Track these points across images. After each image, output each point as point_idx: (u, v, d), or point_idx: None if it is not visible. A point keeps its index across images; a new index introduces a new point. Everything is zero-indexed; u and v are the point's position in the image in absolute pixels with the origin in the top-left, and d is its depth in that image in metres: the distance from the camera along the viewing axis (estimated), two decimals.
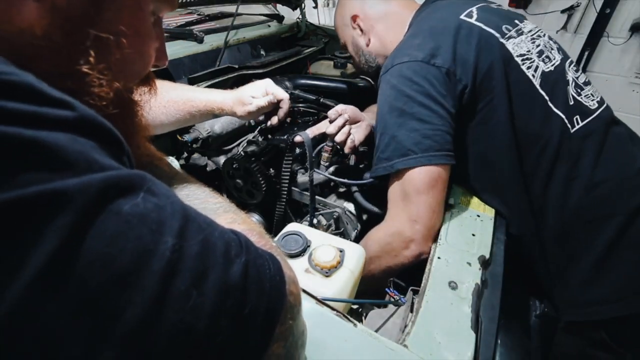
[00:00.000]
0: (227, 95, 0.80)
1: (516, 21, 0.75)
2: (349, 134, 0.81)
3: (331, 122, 0.83)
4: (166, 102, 0.77)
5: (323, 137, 0.84)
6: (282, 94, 0.81)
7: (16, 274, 0.16)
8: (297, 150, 0.86)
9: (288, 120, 1.06)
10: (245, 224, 0.35)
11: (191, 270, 0.21)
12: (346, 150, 0.82)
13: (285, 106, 0.82)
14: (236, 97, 0.79)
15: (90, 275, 0.18)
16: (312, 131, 0.84)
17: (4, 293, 0.16)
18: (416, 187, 0.65)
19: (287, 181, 0.84)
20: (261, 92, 0.80)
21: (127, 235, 0.19)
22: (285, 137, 0.84)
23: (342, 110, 0.83)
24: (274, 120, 0.83)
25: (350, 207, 0.88)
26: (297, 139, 0.81)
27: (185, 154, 0.99)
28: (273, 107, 0.82)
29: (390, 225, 0.69)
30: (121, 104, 0.30)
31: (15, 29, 0.24)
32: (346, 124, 0.82)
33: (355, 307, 0.65)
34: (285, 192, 0.85)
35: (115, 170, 0.21)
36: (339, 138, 0.80)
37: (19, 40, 0.25)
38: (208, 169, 0.99)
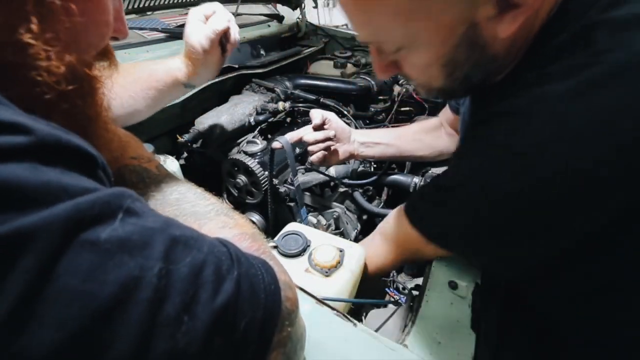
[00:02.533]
0: (180, 55, 0.71)
1: None
2: (325, 150, 0.77)
3: (314, 128, 0.78)
4: (129, 83, 0.69)
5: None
6: (221, 19, 0.67)
7: None
8: (297, 150, 0.86)
9: (288, 120, 1.07)
10: (237, 228, 0.34)
11: (181, 295, 0.20)
12: (313, 161, 0.78)
13: (233, 27, 0.70)
14: (185, 46, 0.69)
15: (67, 315, 0.16)
16: (292, 136, 0.78)
17: None
18: None
19: (266, 185, 0.83)
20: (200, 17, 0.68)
21: (107, 266, 0.18)
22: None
23: (328, 121, 0.78)
24: (232, 37, 0.70)
25: (351, 207, 0.88)
26: (275, 145, 0.76)
27: (185, 154, 0.99)
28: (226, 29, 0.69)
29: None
30: (77, 79, 0.27)
31: None
32: (325, 142, 0.77)
33: (355, 306, 0.65)
34: (272, 195, 0.84)
35: (88, 195, 0.19)
36: (311, 149, 0.77)
37: None
38: (208, 169, 0.99)
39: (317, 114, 0.78)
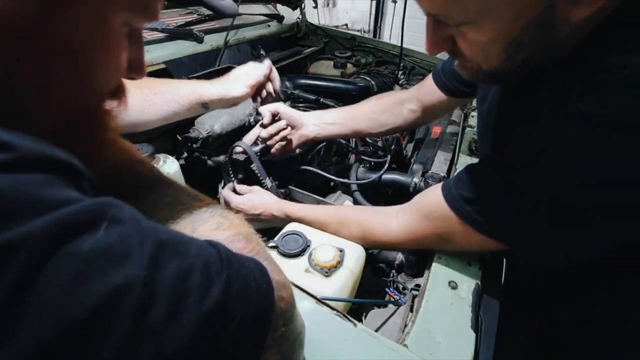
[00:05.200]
0: (214, 80, 0.80)
1: None
2: (282, 140, 0.82)
3: (263, 125, 0.82)
4: (153, 95, 0.73)
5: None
6: (267, 67, 0.81)
7: None
8: (258, 146, 0.86)
9: None
10: (231, 229, 0.34)
11: (167, 301, 0.20)
12: (273, 153, 0.83)
13: (275, 77, 0.82)
14: (225, 78, 0.79)
15: (47, 328, 0.16)
16: (250, 138, 0.83)
17: None
18: None
19: (266, 184, 0.84)
20: (247, 71, 0.80)
21: (89, 277, 0.18)
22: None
23: (278, 114, 0.82)
24: (271, 87, 0.82)
25: (350, 206, 0.88)
26: (237, 149, 0.81)
27: (185, 154, 0.99)
28: (264, 81, 0.82)
29: None
30: (78, 122, 0.27)
31: None
32: (279, 134, 0.82)
33: (355, 306, 0.65)
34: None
35: (71, 206, 0.19)
36: (270, 143, 0.82)
37: None
38: (208, 166, 0.99)
39: (265, 111, 0.82)
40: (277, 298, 0.28)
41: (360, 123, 0.88)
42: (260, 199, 0.75)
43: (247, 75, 0.80)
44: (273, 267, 0.30)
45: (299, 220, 0.67)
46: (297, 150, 0.90)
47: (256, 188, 0.79)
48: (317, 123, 0.87)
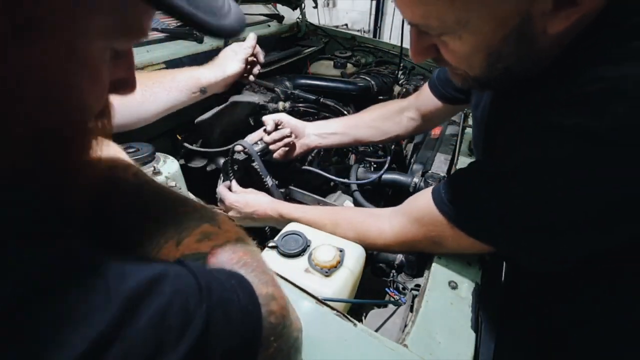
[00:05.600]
0: (207, 65, 0.86)
1: None
2: (283, 147, 0.84)
3: (266, 132, 0.84)
4: (152, 84, 0.76)
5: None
6: (253, 39, 0.90)
7: None
8: (259, 145, 0.86)
9: None
10: (218, 239, 0.32)
11: (142, 351, 0.19)
12: (275, 157, 0.85)
13: (259, 50, 0.91)
14: (217, 60, 0.86)
15: None
16: (252, 138, 0.85)
17: None
18: None
19: (266, 184, 0.85)
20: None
21: (49, 346, 0.16)
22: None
23: (281, 123, 0.85)
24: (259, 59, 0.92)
25: (350, 206, 0.88)
26: (238, 148, 0.82)
27: (185, 154, 0.99)
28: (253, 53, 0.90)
29: None
30: (56, 142, 0.25)
31: None
32: (283, 140, 0.84)
33: (355, 306, 0.65)
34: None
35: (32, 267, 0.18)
36: (272, 147, 0.84)
37: None
38: (208, 169, 0.99)
39: (268, 120, 0.84)
40: (266, 314, 0.27)
41: (361, 131, 0.90)
42: (255, 197, 0.75)
43: (236, 52, 0.87)
44: (261, 277, 0.29)
45: (294, 221, 0.67)
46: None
47: (252, 190, 0.79)
48: (319, 133, 0.89)
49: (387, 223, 0.60)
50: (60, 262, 0.19)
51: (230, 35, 0.26)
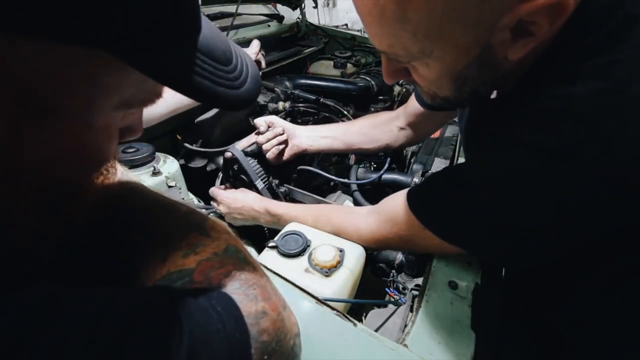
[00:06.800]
0: None
1: None
2: (277, 146, 0.84)
3: (259, 134, 0.85)
4: None
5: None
6: (256, 45, 0.96)
7: None
8: (252, 147, 0.87)
9: (288, 120, 1.07)
10: (205, 251, 0.30)
11: None
12: (269, 157, 0.85)
13: (261, 57, 0.98)
14: None
15: None
16: (242, 144, 0.85)
17: None
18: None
19: (266, 184, 0.86)
20: None
21: None
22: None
23: (272, 124, 0.86)
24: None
25: (350, 205, 0.88)
26: (227, 155, 0.83)
27: (185, 154, 0.99)
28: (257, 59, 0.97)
29: None
30: (59, 198, 0.25)
31: None
32: (276, 138, 0.85)
33: (355, 306, 0.65)
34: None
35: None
36: (266, 147, 0.84)
37: None
38: (208, 169, 0.99)
39: (260, 122, 0.86)
40: (257, 334, 0.26)
41: (350, 137, 0.91)
42: (244, 194, 0.80)
43: None
44: (250, 293, 0.28)
45: (279, 217, 0.70)
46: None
47: (243, 189, 0.83)
48: (310, 135, 0.90)
49: (363, 220, 0.62)
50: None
51: (245, 105, 0.28)
